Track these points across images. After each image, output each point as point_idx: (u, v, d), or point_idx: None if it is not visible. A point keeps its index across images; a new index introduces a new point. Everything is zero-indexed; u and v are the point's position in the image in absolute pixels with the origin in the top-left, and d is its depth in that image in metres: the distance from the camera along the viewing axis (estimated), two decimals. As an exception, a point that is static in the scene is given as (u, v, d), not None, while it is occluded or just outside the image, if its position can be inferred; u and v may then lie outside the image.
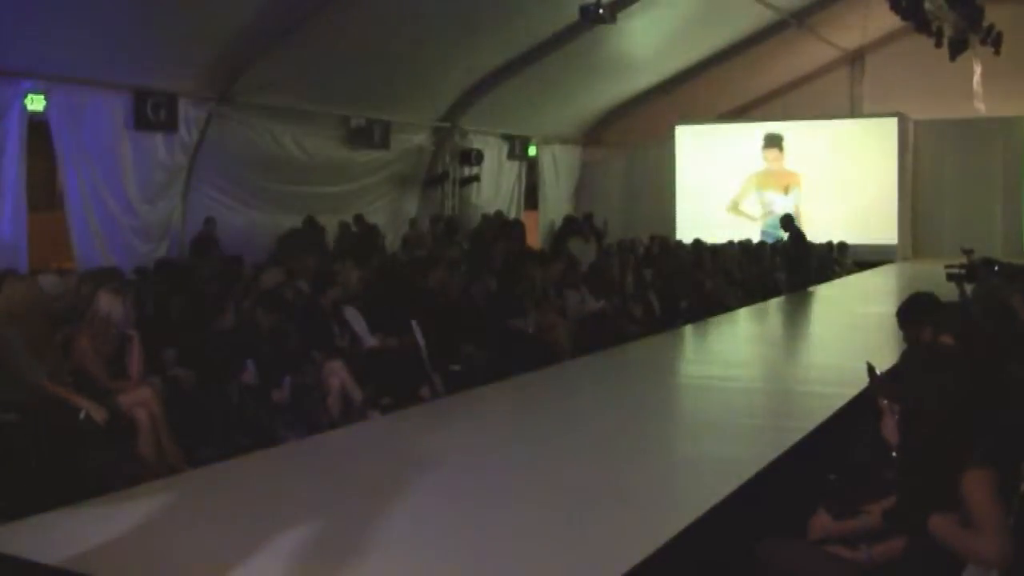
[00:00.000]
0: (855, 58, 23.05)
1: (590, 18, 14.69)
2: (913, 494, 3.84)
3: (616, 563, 3.77)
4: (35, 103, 11.91)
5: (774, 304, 13.44)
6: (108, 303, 6.61)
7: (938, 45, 16.35)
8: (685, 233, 21.27)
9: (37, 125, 12.20)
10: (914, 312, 5.74)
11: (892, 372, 4.47)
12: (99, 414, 6.04)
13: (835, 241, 19.62)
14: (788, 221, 15.19)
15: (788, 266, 15.28)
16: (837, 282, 16.33)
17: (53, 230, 13.18)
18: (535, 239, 20.82)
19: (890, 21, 17.02)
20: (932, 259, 18.06)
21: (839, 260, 18.67)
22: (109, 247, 12.79)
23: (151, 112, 13.15)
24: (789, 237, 15.04)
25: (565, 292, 11.20)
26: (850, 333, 11.08)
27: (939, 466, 3.63)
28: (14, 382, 6.02)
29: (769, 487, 4.96)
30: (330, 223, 16.09)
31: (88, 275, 8.76)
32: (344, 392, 7.81)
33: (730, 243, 18.35)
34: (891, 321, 6.11)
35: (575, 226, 19.33)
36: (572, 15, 14.93)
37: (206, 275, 10.09)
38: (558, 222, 21.18)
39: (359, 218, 16.63)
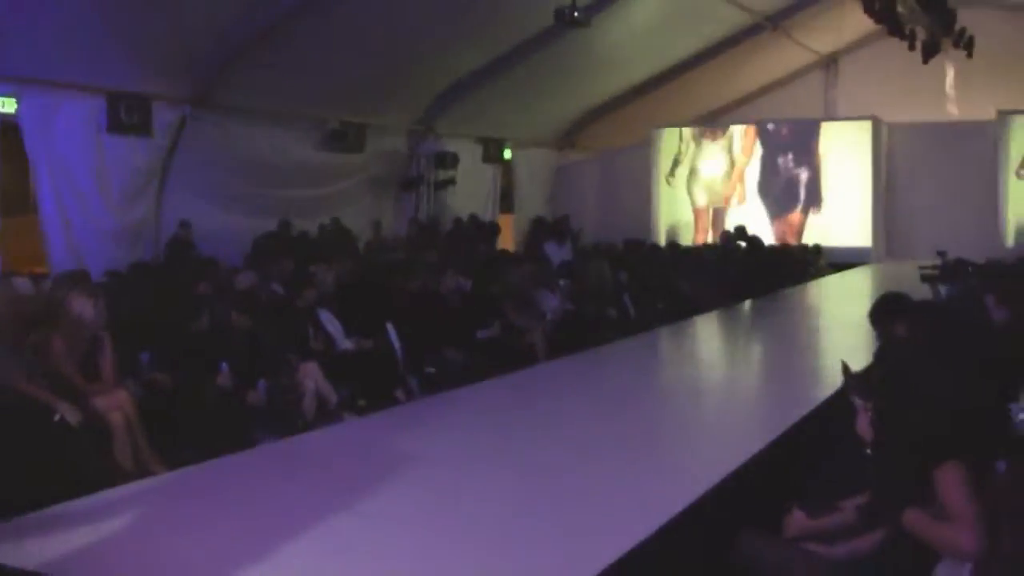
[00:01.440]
0: (829, 62, 23.22)
1: (565, 21, 14.70)
2: (887, 489, 3.87)
3: (592, 561, 3.78)
4: (6, 106, 11.82)
5: (748, 306, 13.49)
6: (79, 305, 6.58)
7: (911, 48, 16.49)
8: (662, 237, 21.43)
9: (9, 128, 12.11)
10: (885, 311, 5.80)
11: (866, 371, 4.49)
12: (74, 416, 6.00)
13: (809, 244, 19.76)
14: (742, 231, 15.28)
15: (750, 274, 15.33)
16: (811, 284, 16.40)
17: (26, 234, 13.08)
18: (510, 243, 20.83)
19: (864, 25, 17.13)
20: (906, 261, 18.19)
21: (813, 262, 18.75)
22: (83, 251, 12.68)
23: (124, 115, 13.05)
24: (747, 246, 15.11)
25: (539, 294, 11.20)
26: (824, 334, 11.13)
27: (913, 461, 3.66)
28: (-13, 384, 6.00)
29: (745, 485, 4.98)
30: (305, 226, 16.04)
31: (60, 277, 8.72)
32: (319, 394, 7.81)
33: (705, 245, 18.45)
34: (865, 321, 6.15)
35: (549, 228, 19.35)
36: (547, 19, 14.94)
37: (181, 277, 10.05)
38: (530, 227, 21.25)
39: (335, 221, 16.59)
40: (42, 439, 5.84)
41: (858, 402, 4.49)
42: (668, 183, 22.29)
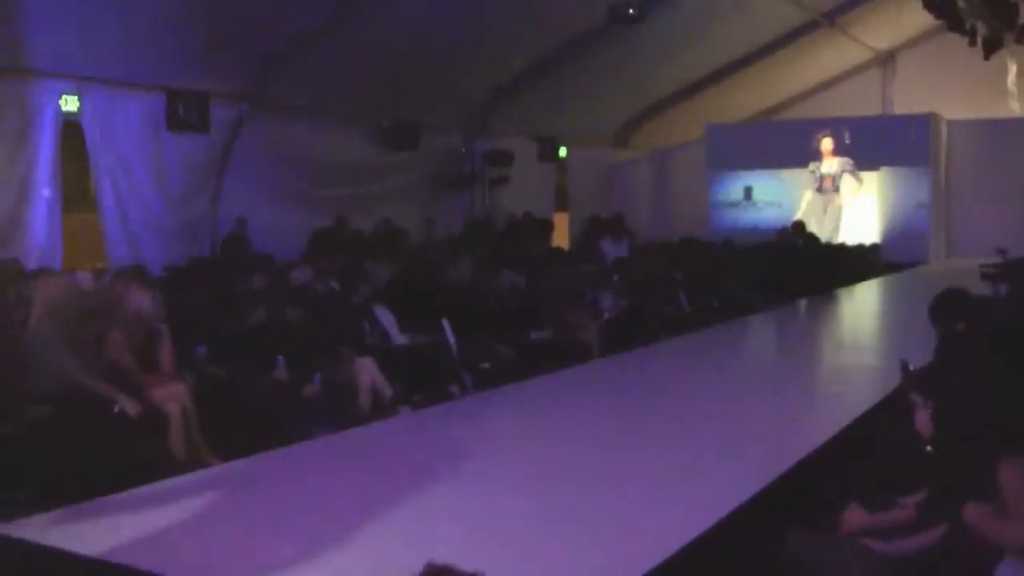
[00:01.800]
0: (887, 58, 22.90)
1: (619, 18, 14.64)
2: (948, 485, 3.81)
3: (647, 555, 3.76)
4: (69, 104, 12.00)
5: (803, 305, 13.37)
6: (138, 298, 6.65)
7: (972, 44, 16.20)
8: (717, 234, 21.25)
9: (71, 126, 12.29)
10: (946, 307, 5.70)
11: (926, 368, 4.44)
12: (133, 407, 6.07)
13: (867, 243, 19.50)
14: (800, 227, 15.08)
15: (806, 272, 15.16)
16: (868, 283, 16.20)
17: (87, 231, 13.26)
18: (565, 240, 20.79)
19: (923, 20, 16.90)
20: (966, 259, 17.90)
21: (870, 260, 18.50)
22: (141, 247, 12.83)
23: (183, 112, 13.22)
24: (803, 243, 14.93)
25: (594, 292, 11.18)
26: (880, 333, 11.02)
27: (975, 457, 3.61)
28: (49, 376, 6.08)
29: (801, 482, 4.93)
30: (359, 224, 16.10)
31: (119, 272, 8.83)
32: (374, 388, 7.84)
33: (762, 245, 18.27)
34: (922, 322, 6.05)
35: (605, 225, 19.29)
36: (602, 15, 14.90)
37: (237, 272, 10.12)
38: (591, 225, 21.18)
39: (386, 221, 16.58)
40: (101, 430, 5.92)
41: (917, 399, 4.44)
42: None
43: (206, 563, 3.86)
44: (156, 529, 4.20)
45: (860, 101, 22.41)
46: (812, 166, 20.87)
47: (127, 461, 5.67)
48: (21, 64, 11.20)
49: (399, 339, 8.86)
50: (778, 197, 21.40)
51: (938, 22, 15.77)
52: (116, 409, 6.05)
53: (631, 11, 14.49)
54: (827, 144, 20.70)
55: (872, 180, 20.59)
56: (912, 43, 21.95)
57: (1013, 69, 18.79)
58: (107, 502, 4.56)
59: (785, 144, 21.33)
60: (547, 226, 18.67)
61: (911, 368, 4.92)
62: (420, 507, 4.43)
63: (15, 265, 9.33)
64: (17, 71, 11.29)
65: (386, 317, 8.91)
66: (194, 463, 6.16)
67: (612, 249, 16.72)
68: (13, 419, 5.80)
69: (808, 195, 21.02)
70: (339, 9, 12.97)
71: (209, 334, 7.76)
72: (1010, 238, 16.68)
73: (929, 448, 4.46)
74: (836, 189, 20.83)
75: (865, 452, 5.70)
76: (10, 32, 10.67)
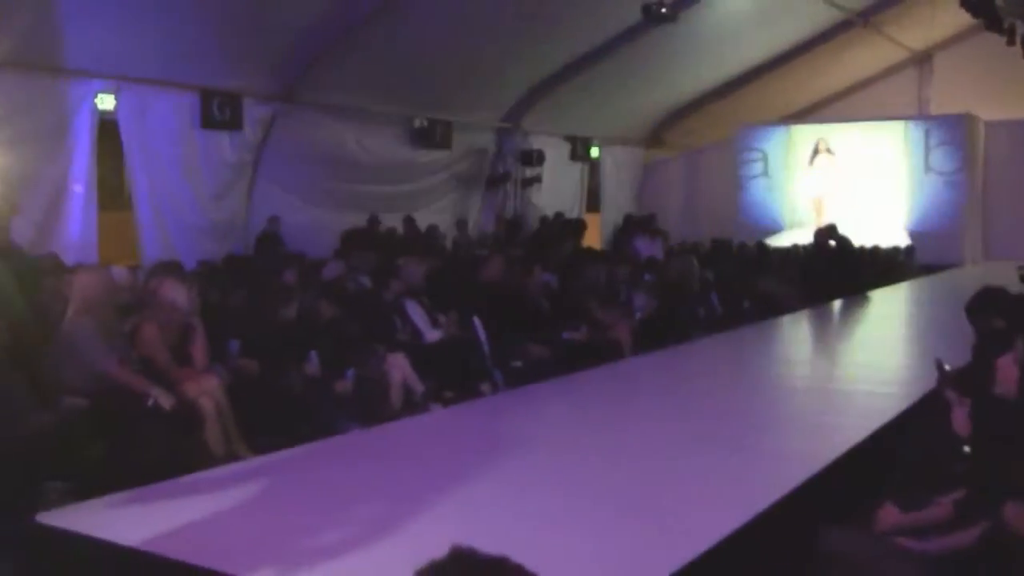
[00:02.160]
0: (923, 58, 22.69)
1: (652, 17, 14.62)
2: (987, 484, 3.77)
3: (682, 549, 3.75)
4: (105, 102, 12.11)
5: (838, 306, 13.29)
6: (172, 290, 6.69)
7: (1010, 43, 16.03)
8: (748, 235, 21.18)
9: (107, 124, 12.39)
10: (984, 304, 5.65)
11: (964, 367, 4.40)
12: (167, 400, 6.11)
13: (902, 245, 19.37)
14: (832, 230, 14.95)
15: (838, 274, 15.06)
16: (902, 285, 16.07)
17: (121, 230, 13.35)
18: (596, 241, 20.76)
19: (960, 19, 16.74)
20: (1003, 262, 17.71)
21: (904, 263, 18.37)
22: (175, 245, 12.92)
23: (216, 111, 13.31)
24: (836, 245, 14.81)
25: (630, 292, 11.16)
26: (917, 334, 10.93)
27: (1013, 455, 3.57)
28: (86, 368, 6.13)
29: (836, 480, 4.90)
30: (391, 222, 16.14)
31: (155, 267, 8.89)
32: (406, 385, 7.85)
33: (794, 246, 18.20)
34: (958, 324, 6.00)
35: (639, 224, 19.25)
36: (635, 14, 14.88)
37: (270, 268, 10.17)
38: (620, 223, 21.13)
39: (409, 220, 16.54)
40: (136, 422, 5.96)
41: (953, 398, 4.39)
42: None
43: (238, 554, 3.87)
44: (190, 520, 4.21)
45: (896, 102, 22.25)
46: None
47: (161, 453, 5.71)
48: (58, 63, 11.32)
49: (430, 335, 8.87)
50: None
51: (976, 21, 15.60)
52: (150, 402, 6.09)
53: (664, 10, 14.45)
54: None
55: (905, 181, 20.47)
56: (949, 43, 21.72)
57: (1052, 69, 18.57)
58: (142, 493, 4.59)
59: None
60: (580, 226, 18.66)
61: (947, 367, 4.88)
62: (450, 503, 4.42)
63: (54, 260, 9.41)
64: (54, 70, 11.40)
65: (417, 313, 8.92)
66: (227, 456, 6.19)
67: (646, 248, 16.70)
68: (50, 410, 5.85)
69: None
70: (371, 10, 13.00)
71: (242, 329, 7.79)
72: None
73: (967, 448, 4.41)
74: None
75: (900, 451, 5.65)
76: (48, 31, 10.78)
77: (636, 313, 10.77)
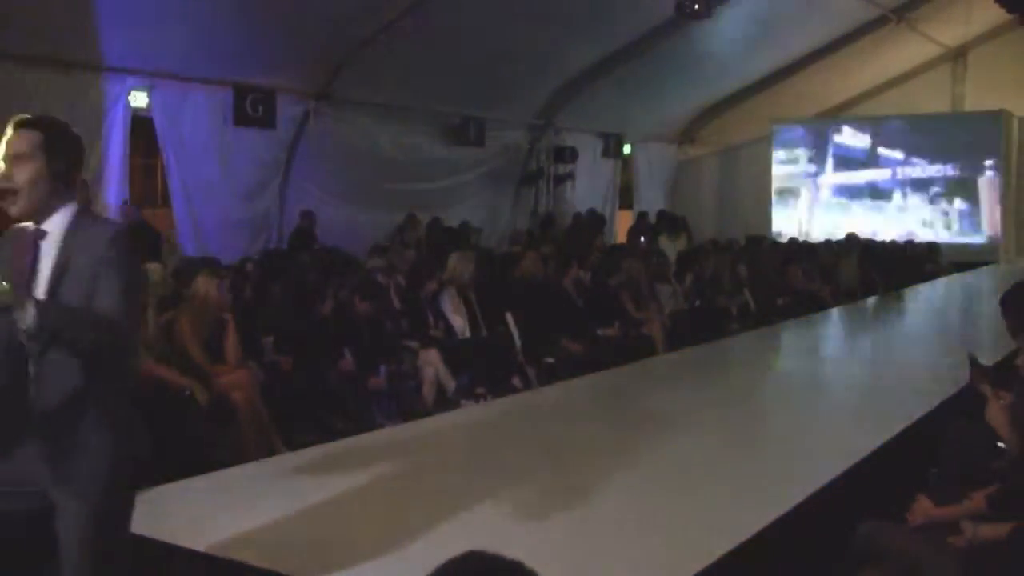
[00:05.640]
0: (957, 55, 22.46)
1: (686, 13, 14.55)
2: (1021, 480, 3.74)
3: (720, 542, 3.75)
4: (139, 99, 12.16)
5: (871, 303, 13.22)
6: (205, 285, 6.72)
7: (1046, 39, 15.91)
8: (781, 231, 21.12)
9: (142, 121, 12.46)
10: (1019, 297, 5.57)
11: (1000, 361, 4.36)
12: (202, 395, 6.15)
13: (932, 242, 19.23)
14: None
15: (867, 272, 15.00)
16: (931, 284, 15.94)
17: (159, 226, 13.43)
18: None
19: (994, 15, 16.57)
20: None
21: (932, 261, 18.18)
22: (210, 241, 12.96)
23: (250, 108, 13.33)
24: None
25: (657, 286, 11.13)
26: (951, 329, 10.87)
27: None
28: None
29: (871, 474, 4.87)
30: (424, 219, 16.15)
31: (189, 262, 8.94)
32: (438, 381, 7.86)
33: (827, 242, 18.09)
34: (993, 319, 5.94)
35: (660, 224, 19.20)
36: (668, 11, 14.81)
37: (305, 264, 10.19)
38: (653, 221, 21.07)
39: (436, 221, 16.49)
40: (171, 417, 5.99)
41: (988, 391, 4.36)
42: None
43: (273, 548, 3.89)
44: (224, 514, 4.24)
45: (929, 98, 22.05)
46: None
47: (196, 448, 5.74)
48: (92, 60, 11.37)
49: (463, 332, 8.87)
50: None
51: (1010, 17, 15.45)
52: (186, 394, 6.13)
53: (697, 6, 14.38)
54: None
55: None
56: (983, 39, 21.48)
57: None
58: (177, 488, 4.62)
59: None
60: (601, 221, 18.66)
61: (980, 362, 4.84)
62: (481, 499, 4.42)
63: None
64: (88, 67, 11.46)
65: (460, 311, 8.91)
66: (262, 451, 6.22)
67: (667, 245, 16.64)
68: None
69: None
70: (405, 7, 13.01)
71: (277, 325, 7.82)
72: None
73: (1001, 444, 4.38)
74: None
75: (935, 446, 5.62)
76: (82, 28, 10.84)
77: (668, 309, 10.77)
